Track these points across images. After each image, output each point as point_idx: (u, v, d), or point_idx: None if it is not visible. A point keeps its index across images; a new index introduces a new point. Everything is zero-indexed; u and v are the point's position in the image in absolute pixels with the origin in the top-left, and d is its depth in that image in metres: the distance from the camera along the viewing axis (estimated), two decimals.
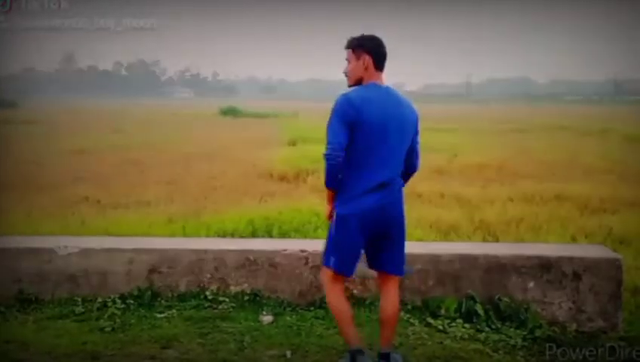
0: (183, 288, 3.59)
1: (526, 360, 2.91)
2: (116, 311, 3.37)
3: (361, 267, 2.75)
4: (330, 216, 2.66)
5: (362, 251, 2.68)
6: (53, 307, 3.47)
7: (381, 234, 2.62)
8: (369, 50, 2.63)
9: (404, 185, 2.69)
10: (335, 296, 2.69)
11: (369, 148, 2.53)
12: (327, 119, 2.56)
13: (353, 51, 2.66)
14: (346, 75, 2.71)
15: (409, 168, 2.72)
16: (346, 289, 3.49)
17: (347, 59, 2.69)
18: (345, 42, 2.70)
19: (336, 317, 2.73)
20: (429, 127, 21.62)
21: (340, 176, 2.55)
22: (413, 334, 3.15)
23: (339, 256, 2.61)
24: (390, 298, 2.71)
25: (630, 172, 9.60)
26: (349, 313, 2.68)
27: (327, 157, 2.50)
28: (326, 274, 2.70)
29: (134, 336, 3.10)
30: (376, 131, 2.52)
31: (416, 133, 2.70)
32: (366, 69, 2.62)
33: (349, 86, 2.69)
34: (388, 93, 2.62)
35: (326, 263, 2.66)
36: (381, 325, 2.74)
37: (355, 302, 3.46)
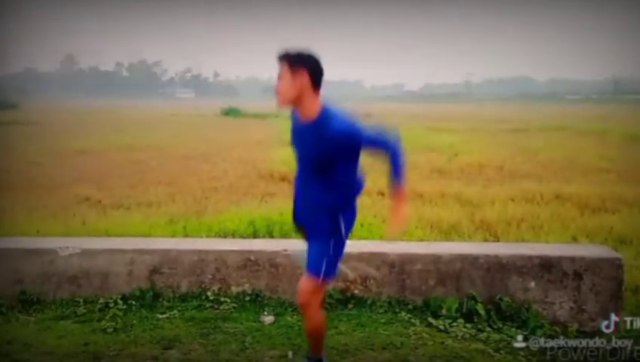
0: (184, 289, 3.59)
1: (527, 360, 2.91)
2: (118, 312, 3.38)
3: (342, 267, 2.74)
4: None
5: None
6: (55, 308, 3.48)
7: None
8: (308, 67, 2.26)
9: None
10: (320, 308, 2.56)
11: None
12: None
13: (290, 66, 2.27)
14: (275, 93, 2.32)
15: None
16: (347, 289, 3.52)
17: (279, 76, 2.30)
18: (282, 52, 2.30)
19: (321, 328, 2.60)
20: (429, 126, 21.66)
21: None
22: (414, 334, 3.16)
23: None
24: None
25: (630, 171, 9.60)
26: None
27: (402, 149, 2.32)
28: (317, 286, 2.48)
29: (136, 337, 3.11)
30: None
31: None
32: (304, 88, 2.26)
33: (281, 107, 2.34)
34: None
35: (330, 274, 2.48)
36: None
37: (356, 302, 3.47)
